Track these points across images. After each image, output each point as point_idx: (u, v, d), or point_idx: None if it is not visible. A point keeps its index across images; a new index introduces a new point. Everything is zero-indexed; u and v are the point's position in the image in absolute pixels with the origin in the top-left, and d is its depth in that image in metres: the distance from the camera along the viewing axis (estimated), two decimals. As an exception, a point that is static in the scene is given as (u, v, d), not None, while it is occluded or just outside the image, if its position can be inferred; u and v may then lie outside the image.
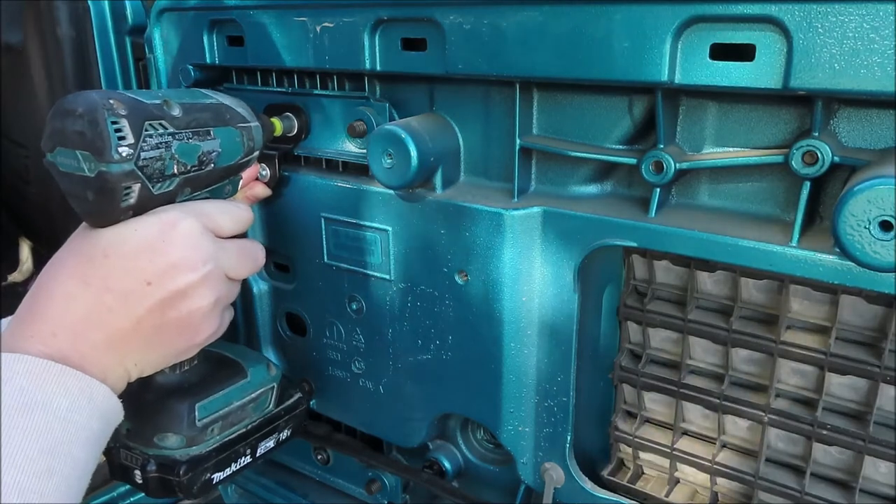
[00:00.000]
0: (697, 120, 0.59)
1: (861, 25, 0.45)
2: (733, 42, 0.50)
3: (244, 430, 0.69)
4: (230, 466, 0.68)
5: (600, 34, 0.54)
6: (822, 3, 0.46)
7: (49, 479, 0.46)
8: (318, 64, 0.70)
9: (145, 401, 0.63)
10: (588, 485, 0.71)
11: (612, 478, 0.73)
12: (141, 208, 0.54)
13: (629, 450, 0.73)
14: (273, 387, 0.72)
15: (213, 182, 0.61)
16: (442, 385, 0.75)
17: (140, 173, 0.52)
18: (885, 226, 0.45)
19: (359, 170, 0.75)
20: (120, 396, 0.54)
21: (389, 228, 0.72)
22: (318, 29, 0.69)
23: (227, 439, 0.67)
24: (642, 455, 0.72)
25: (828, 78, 0.47)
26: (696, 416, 0.69)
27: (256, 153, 0.64)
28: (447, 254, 0.69)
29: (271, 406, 0.73)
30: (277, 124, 0.73)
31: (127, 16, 1.04)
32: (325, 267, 0.79)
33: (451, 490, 0.83)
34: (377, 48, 0.67)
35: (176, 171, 0.55)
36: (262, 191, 0.76)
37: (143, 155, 0.52)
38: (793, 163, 0.52)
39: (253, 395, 0.70)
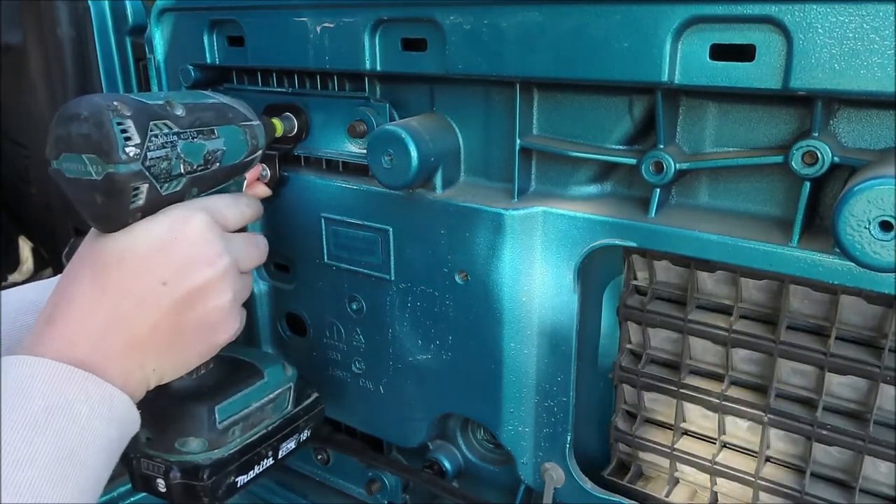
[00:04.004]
0: (697, 120, 0.59)
1: (861, 26, 0.45)
2: (733, 42, 0.50)
3: (265, 431, 0.68)
4: (253, 469, 0.66)
5: (600, 34, 0.54)
6: (822, 4, 0.46)
7: (64, 486, 0.46)
8: (318, 64, 0.70)
9: (163, 407, 0.62)
10: (588, 485, 0.71)
11: (612, 478, 0.73)
12: (150, 210, 0.54)
13: (629, 450, 0.73)
14: (290, 387, 0.71)
15: (219, 182, 0.61)
16: (442, 385, 0.75)
17: (147, 173, 0.52)
18: (885, 226, 0.45)
19: (359, 170, 0.75)
20: (138, 405, 0.54)
21: (390, 228, 0.72)
22: (318, 29, 0.69)
23: (248, 441, 0.66)
24: (642, 455, 0.72)
25: (828, 78, 0.47)
26: (697, 416, 0.69)
27: (260, 152, 0.64)
28: (447, 254, 0.69)
29: (290, 406, 0.72)
30: (278, 125, 0.73)
31: (127, 16, 1.04)
32: (326, 267, 0.79)
33: (451, 490, 0.83)
34: (377, 48, 0.67)
35: (183, 170, 0.55)
36: (262, 190, 0.76)
37: (149, 155, 0.52)
38: (793, 163, 0.52)
39: (271, 396, 0.69)
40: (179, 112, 0.55)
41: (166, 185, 0.54)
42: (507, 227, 0.64)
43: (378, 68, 0.67)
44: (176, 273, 0.54)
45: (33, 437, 0.45)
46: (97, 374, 0.50)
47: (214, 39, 0.78)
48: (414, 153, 0.63)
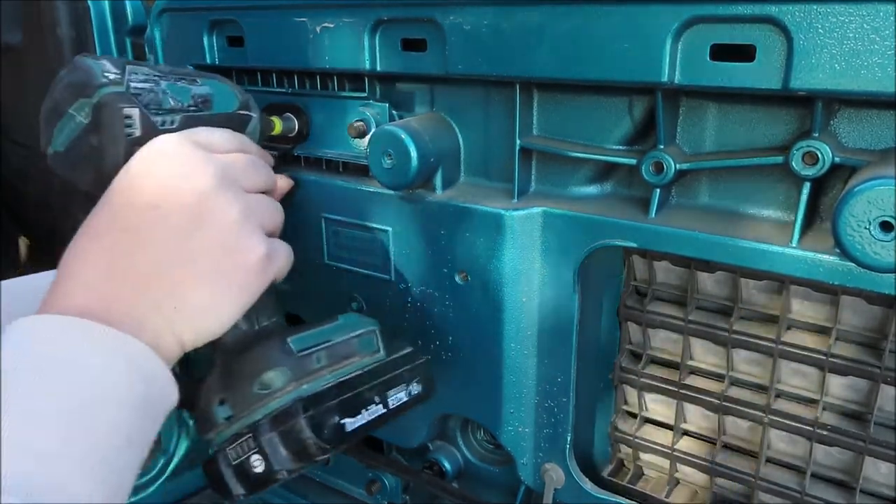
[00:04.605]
0: (697, 120, 0.59)
1: (861, 26, 0.45)
2: (733, 42, 0.50)
3: (360, 371, 0.60)
4: (361, 413, 0.58)
5: (600, 34, 0.54)
6: (823, 4, 0.46)
7: (75, 441, 0.40)
8: (318, 64, 0.70)
9: (231, 370, 0.56)
10: (588, 485, 0.71)
11: (612, 478, 0.73)
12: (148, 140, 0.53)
13: (629, 450, 0.73)
14: (374, 330, 0.64)
15: None
16: (442, 385, 0.75)
17: (135, 99, 0.52)
18: (886, 226, 0.45)
19: (359, 170, 0.75)
20: (187, 377, 0.49)
21: (390, 229, 0.72)
22: (318, 29, 0.69)
23: (344, 378, 0.58)
24: (642, 455, 0.72)
25: (828, 78, 0.47)
26: (697, 417, 0.69)
27: (255, 116, 0.64)
28: (447, 254, 0.69)
29: (382, 351, 0.64)
30: (277, 123, 0.73)
31: (127, 16, 1.04)
32: (326, 267, 0.79)
33: (451, 490, 0.83)
34: (377, 48, 0.67)
35: (174, 105, 0.55)
36: (284, 183, 0.75)
37: (132, 84, 0.52)
38: (793, 163, 0.52)
39: (353, 334, 0.62)
40: (159, 67, 0.57)
41: (160, 117, 0.53)
42: (507, 228, 0.64)
43: (378, 68, 0.67)
44: (165, 193, 0.49)
45: (35, 397, 0.40)
46: (104, 322, 0.45)
47: (214, 40, 0.78)
48: (414, 153, 0.63)
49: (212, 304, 0.51)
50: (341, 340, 0.60)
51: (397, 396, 0.63)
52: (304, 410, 0.53)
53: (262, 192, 0.59)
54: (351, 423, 0.56)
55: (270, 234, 0.57)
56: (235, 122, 0.61)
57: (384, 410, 0.61)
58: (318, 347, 0.58)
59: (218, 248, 0.50)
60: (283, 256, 0.57)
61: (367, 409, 0.59)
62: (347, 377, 0.59)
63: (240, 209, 0.52)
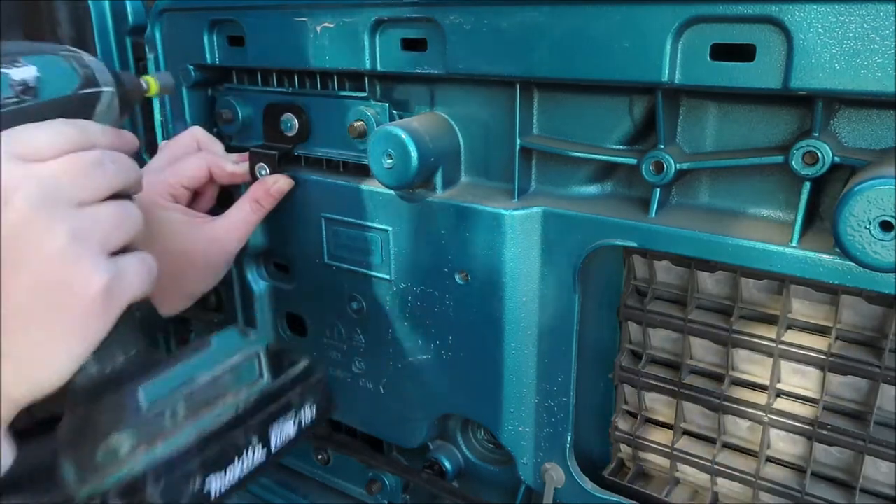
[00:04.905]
0: (698, 120, 0.59)
1: (861, 26, 0.45)
2: (733, 42, 0.50)
3: (234, 412, 0.49)
4: (232, 464, 0.48)
5: (600, 34, 0.54)
6: (823, 4, 0.46)
7: None
8: (319, 64, 0.70)
9: (81, 424, 0.46)
10: (588, 485, 0.71)
11: (612, 478, 0.73)
12: None
13: (630, 450, 0.73)
14: (256, 352, 0.52)
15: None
16: (442, 385, 0.75)
17: None
18: (886, 226, 0.45)
19: (359, 170, 0.75)
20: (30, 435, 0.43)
21: (390, 228, 0.72)
22: (318, 29, 0.69)
23: (213, 428, 0.47)
24: (643, 455, 0.72)
25: (828, 78, 0.47)
26: (697, 416, 0.69)
27: (108, 90, 0.52)
28: (447, 254, 0.69)
29: (265, 377, 0.52)
30: (152, 83, 0.60)
31: (127, 16, 1.04)
32: (326, 267, 0.79)
33: (451, 490, 0.83)
34: (377, 48, 0.67)
35: None
36: (284, 183, 0.75)
37: None
38: (793, 163, 0.52)
39: (226, 365, 0.50)
40: None
41: None
42: (508, 227, 0.64)
43: (378, 68, 0.67)
44: None
45: None
46: None
47: (214, 39, 0.78)
48: (414, 153, 0.63)
49: (42, 353, 0.43)
50: (209, 379, 0.49)
51: (284, 431, 0.52)
52: (154, 481, 0.44)
53: (114, 196, 0.48)
54: (220, 483, 0.48)
55: (123, 248, 0.47)
56: (78, 106, 0.50)
57: (265, 453, 0.51)
58: (176, 396, 0.47)
59: (42, 286, 0.42)
60: (134, 277, 0.46)
61: (240, 458, 0.49)
62: (214, 426, 0.48)
63: (68, 233, 0.43)
